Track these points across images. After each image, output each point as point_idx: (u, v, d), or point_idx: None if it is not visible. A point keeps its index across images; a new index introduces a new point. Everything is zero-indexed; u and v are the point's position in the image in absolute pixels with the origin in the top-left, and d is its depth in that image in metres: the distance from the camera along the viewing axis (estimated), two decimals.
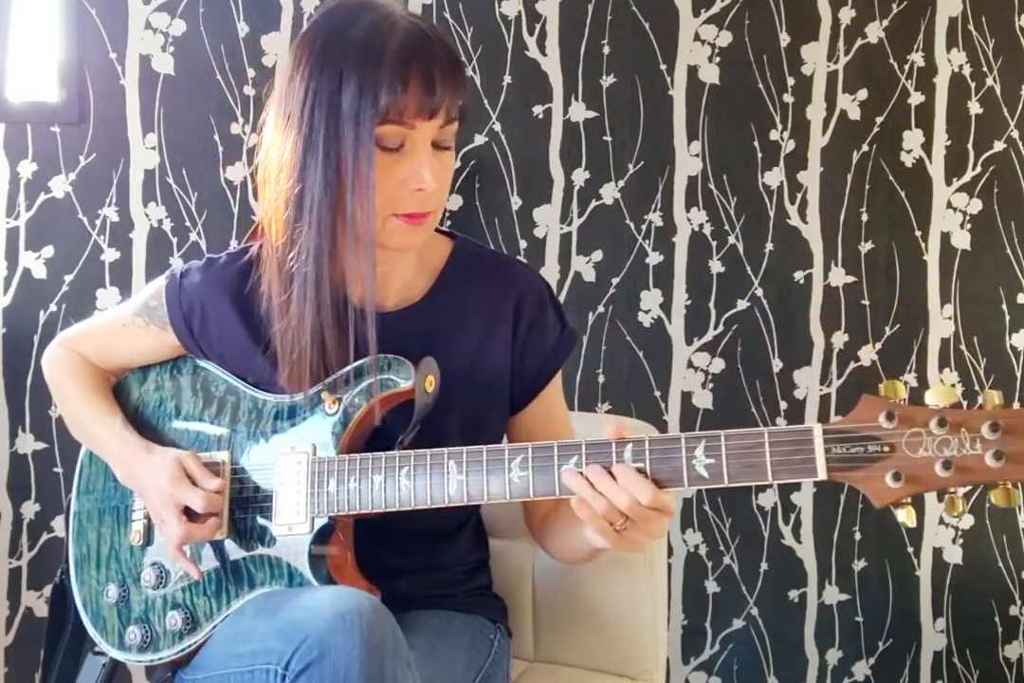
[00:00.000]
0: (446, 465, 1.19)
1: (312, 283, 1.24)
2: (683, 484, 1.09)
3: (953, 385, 2.41)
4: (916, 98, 2.44)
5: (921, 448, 0.99)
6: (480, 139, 2.38)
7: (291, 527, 1.25)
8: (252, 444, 1.32)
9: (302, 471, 1.26)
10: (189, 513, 1.28)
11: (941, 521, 2.46)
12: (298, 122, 1.21)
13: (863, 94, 2.44)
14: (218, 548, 1.31)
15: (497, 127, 2.39)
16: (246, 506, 1.30)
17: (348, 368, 1.27)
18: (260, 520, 1.29)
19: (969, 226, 2.46)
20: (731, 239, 2.42)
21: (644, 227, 2.42)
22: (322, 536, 1.24)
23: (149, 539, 1.37)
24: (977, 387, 2.43)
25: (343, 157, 1.19)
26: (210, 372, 1.39)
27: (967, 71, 2.44)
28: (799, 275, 2.44)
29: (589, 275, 2.41)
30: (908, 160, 2.45)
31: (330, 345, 1.26)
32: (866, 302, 2.45)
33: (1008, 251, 2.46)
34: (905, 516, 1.02)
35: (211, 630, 1.28)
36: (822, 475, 1.02)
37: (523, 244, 2.40)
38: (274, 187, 1.25)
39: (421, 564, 1.40)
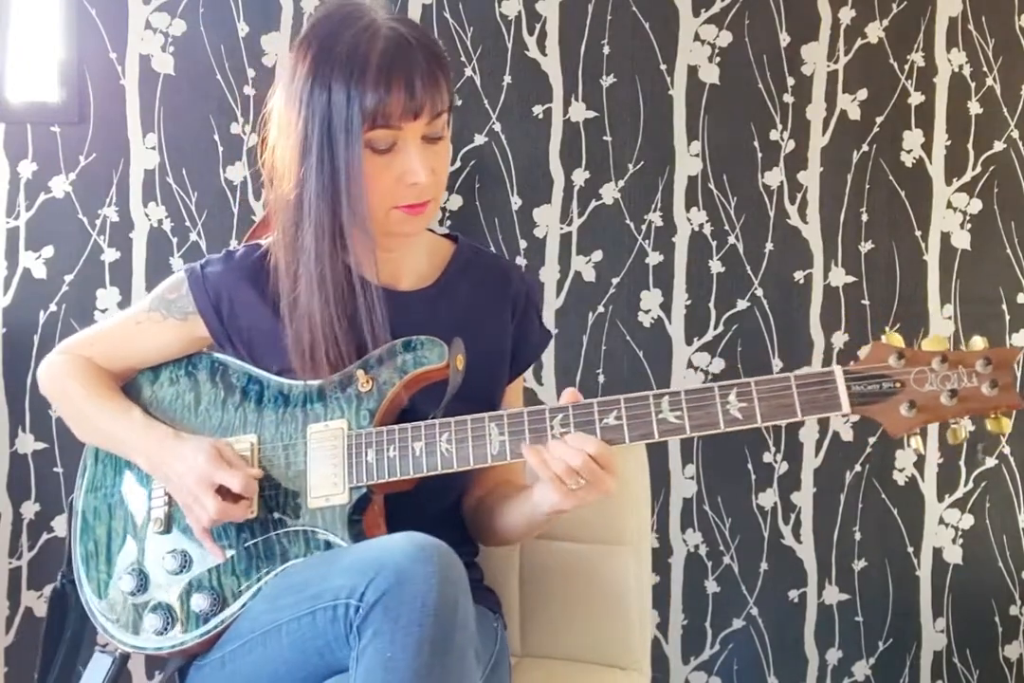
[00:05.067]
0: (487, 428, 1.24)
1: (317, 279, 1.31)
2: (719, 427, 1.18)
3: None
4: (916, 98, 2.44)
5: (927, 383, 1.15)
6: (480, 139, 2.38)
7: (328, 499, 1.29)
8: (281, 426, 1.35)
9: (338, 445, 1.30)
10: (221, 494, 1.30)
11: (941, 521, 2.46)
12: (294, 131, 1.30)
13: (863, 94, 2.44)
14: (249, 526, 1.32)
15: (497, 127, 2.39)
16: (276, 483, 1.33)
17: (381, 348, 1.32)
18: (292, 496, 1.32)
19: (969, 226, 2.46)
20: (731, 239, 2.43)
21: (644, 227, 2.42)
22: (360, 506, 1.28)
23: (169, 527, 1.38)
24: None
25: (336, 161, 1.27)
26: (229, 365, 1.42)
27: (967, 71, 2.44)
28: (799, 275, 2.44)
29: (589, 275, 2.41)
30: (908, 160, 2.45)
31: (341, 332, 1.32)
32: (866, 302, 2.45)
33: (1008, 251, 2.46)
34: (916, 444, 1.16)
35: (239, 609, 1.29)
36: (846, 408, 1.15)
37: (523, 244, 2.40)
38: (279, 188, 1.33)
39: None
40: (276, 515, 1.32)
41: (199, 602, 1.31)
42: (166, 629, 1.33)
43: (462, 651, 1.11)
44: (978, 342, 1.16)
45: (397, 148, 1.28)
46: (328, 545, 1.28)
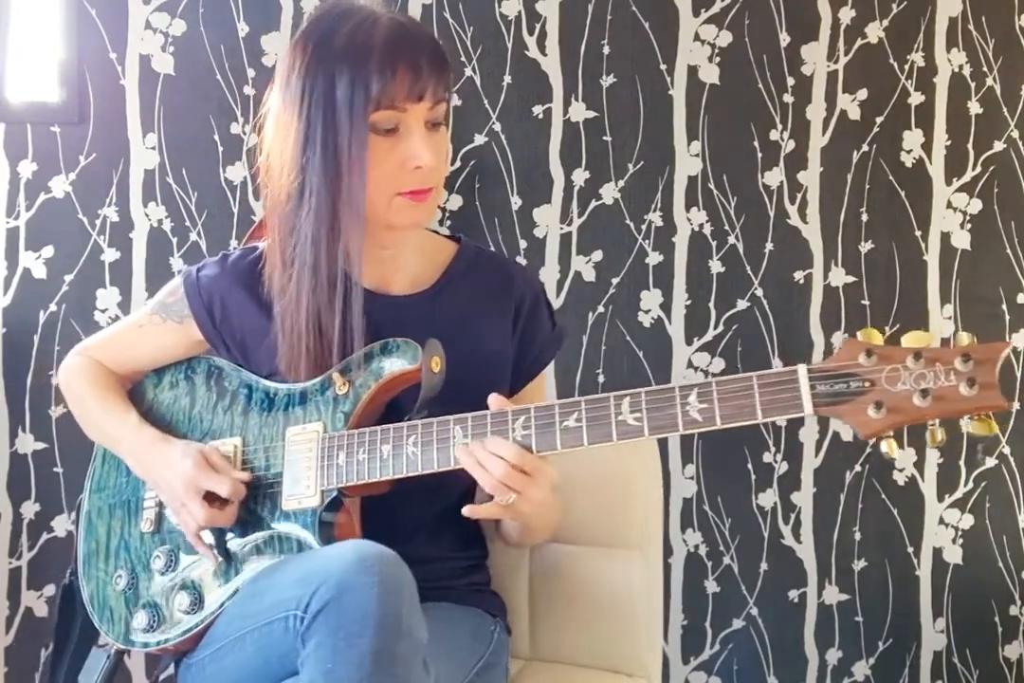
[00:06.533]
0: (452, 430, 1.24)
1: (311, 266, 1.31)
2: (678, 429, 1.13)
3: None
4: (916, 98, 2.44)
5: (899, 382, 1.05)
6: (480, 139, 2.38)
7: (300, 501, 1.30)
8: (264, 430, 1.37)
9: (312, 448, 1.31)
10: (208, 499, 1.32)
11: (941, 521, 2.46)
12: (296, 120, 1.29)
13: (863, 94, 2.44)
14: (229, 528, 1.34)
15: (497, 127, 2.39)
16: (257, 486, 1.35)
17: (359, 352, 1.32)
18: (269, 498, 1.33)
19: (969, 226, 2.46)
20: (731, 239, 2.43)
21: (644, 227, 2.42)
22: (331, 508, 1.29)
23: (159, 526, 1.41)
24: None
25: (340, 145, 1.27)
26: (224, 369, 1.45)
27: (967, 71, 2.44)
28: (799, 275, 2.44)
29: (589, 275, 2.41)
30: (908, 160, 2.45)
31: (326, 326, 1.32)
32: (866, 302, 2.45)
33: (1008, 251, 2.46)
34: (888, 447, 1.07)
35: (218, 608, 1.31)
36: (808, 410, 1.07)
37: (523, 244, 2.40)
38: (276, 184, 1.33)
39: (423, 554, 1.42)
40: (254, 517, 1.34)
41: (181, 601, 1.34)
42: (152, 627, 1.36)
43: (407, 661, 1.10)
44: (964, 339, 1.06)
45: (400, 132, 1.29)
46: (300, 547, 1.29)
